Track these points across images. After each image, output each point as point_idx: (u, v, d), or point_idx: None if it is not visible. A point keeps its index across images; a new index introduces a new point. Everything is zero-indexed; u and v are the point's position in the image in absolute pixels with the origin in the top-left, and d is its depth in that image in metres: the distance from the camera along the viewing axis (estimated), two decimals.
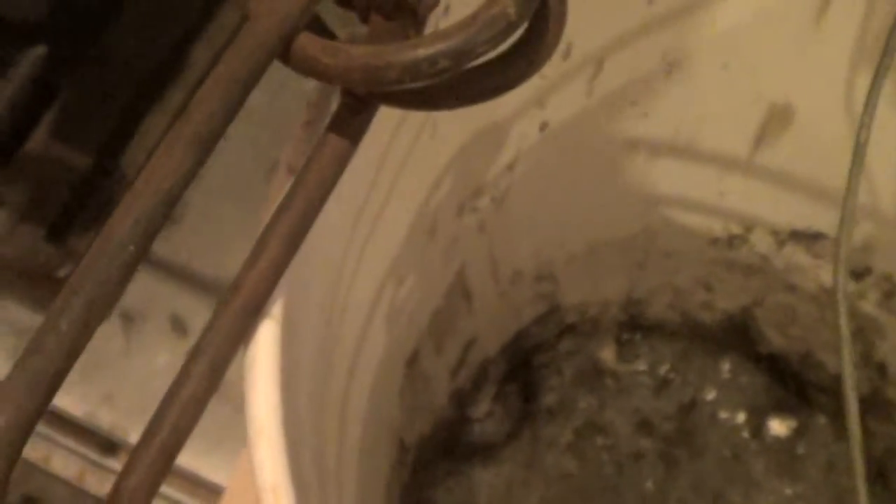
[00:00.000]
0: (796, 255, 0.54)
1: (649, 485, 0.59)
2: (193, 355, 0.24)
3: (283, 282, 0.26)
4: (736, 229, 0.53)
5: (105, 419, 0.62)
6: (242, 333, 0.25)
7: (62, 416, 0.63)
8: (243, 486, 0.54)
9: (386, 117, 0.30)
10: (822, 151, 0.47)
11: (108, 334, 0.65)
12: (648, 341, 0.62)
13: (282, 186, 0.27)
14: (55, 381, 0.21)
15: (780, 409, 0.60)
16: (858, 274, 0.52)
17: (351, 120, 0.27)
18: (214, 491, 0.59)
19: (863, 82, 0.41)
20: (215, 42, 0.67)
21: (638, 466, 0.60)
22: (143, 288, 0.66)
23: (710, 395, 0.61)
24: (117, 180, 0.65)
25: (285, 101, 0.67)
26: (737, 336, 0.60)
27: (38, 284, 0.64)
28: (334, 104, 0.28)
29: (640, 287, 0.59)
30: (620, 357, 0.62)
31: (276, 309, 0.26)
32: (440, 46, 0.25)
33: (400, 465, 0.51)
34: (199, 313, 0.65)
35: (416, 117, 0.36)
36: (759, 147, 0.48)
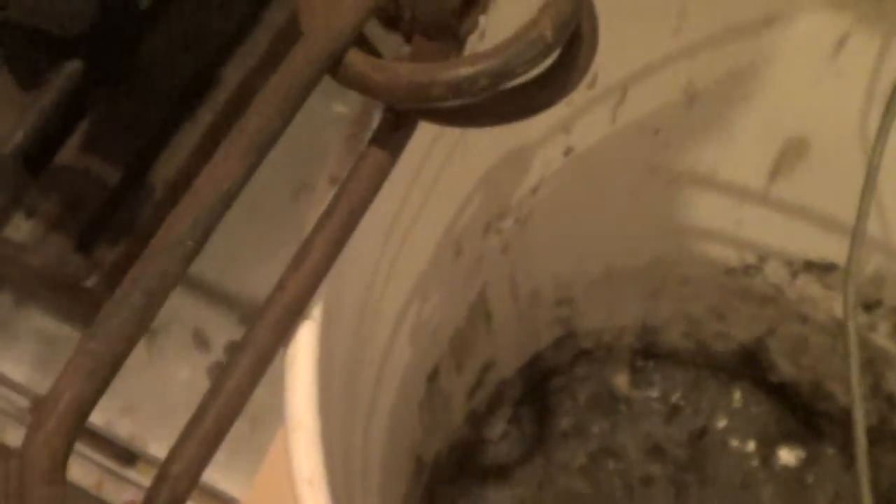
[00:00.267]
0: (809, 286, 0.55)
1: None
2: (240, 348, 0.25)
3: (323, 287, 0.27)
4: (751, 259, 0.55)
5: (125, 429, 0.64)
6: (285, 331, 0.26)
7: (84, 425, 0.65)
8: (261, 499, 0.55)
9: (419, 137, 0.31)
10: (837, 184, 0.49)
11: None
12: (662, 369, 0.63)
13: (324, 196, 0.29)
14: (114, 364, 0.22)
15: (790, 439, 0.61)
16: (869, 306, 0.53)
17: (392, 135, 0.29)
18: (229, 503, 0.60)
19: (877, 116, 0.42)
20: (246, 64, 0.69)
21: (648, 491, 0.61)
22: (167, 302, 0.67)
23: (722, 423, 0.62)
24: (146, 195, 0.66)
25: (311, 124, 0.68)
26: (749, 365, 0.61)
27: (65, 294, 0.65)
28: (376, 120, 0.30)
29: (656, 314, 0.60)
30: (634, 383, 0.63)
31: (316, 311, 0.28)
32: (482, 66, 0.26)
33: (416, 481, 0.52)
34: (221, 329, 0.67)
35: (448, 138, 0.37)
36: (775, 179, 0.50)
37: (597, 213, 0.50)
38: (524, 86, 0.29)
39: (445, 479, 0.56)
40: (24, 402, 0.67)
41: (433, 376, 0.48)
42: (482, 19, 0.30)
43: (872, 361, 0.56)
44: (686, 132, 0.47)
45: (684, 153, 0.48)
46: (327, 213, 0.28)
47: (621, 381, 0.63)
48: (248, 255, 0.67)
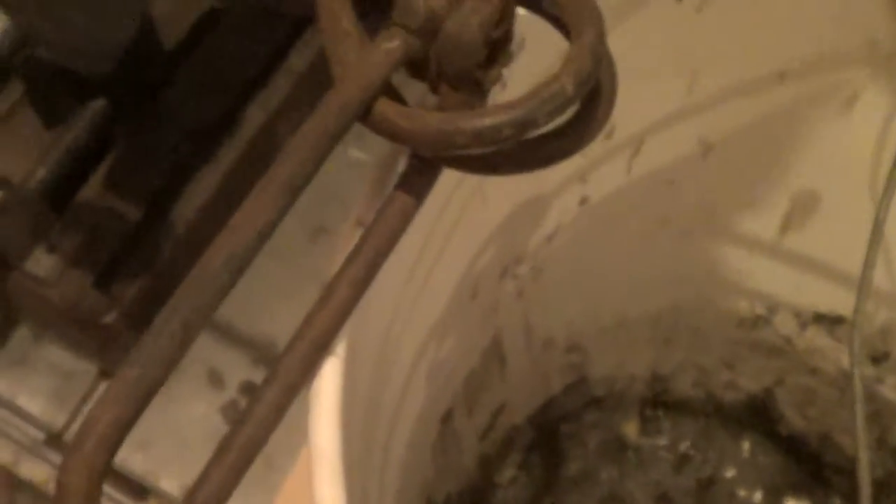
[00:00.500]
0: (818, 338, 0.56)
1: None
2: (268, 381, 0.26)
3: (347, 325, 0.28)
4: (761, 310, 0.55)
5: (138, 465, 0.64)
6: (311, 366, 0.27)
7: None
8: None
9: (441, 183, 0.32)
10: (846, 237, 0.50)
11: None
12: (671, 417, 0.64)
13: (350, 237, 0.30)
14: (150, 391, 0.23)
15: (797, 490, 0.62)
16: (877, 358, 0.54)
17: (417, 180, 0.30)
18: None
19: (886, 171, 0.44)
20: (267, 106, 0.70)
21: None
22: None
23: (730, 472, 0.63)
24: (166, 233, 0.67)
25: (329, 169, 0.70)
26: (757, 416, 0.62)
27: (82, 329, 0.66)
28: (402, 165, 0.31)
29: (666, 363, 0.61)
30: (643, 431, 0.64)
31: (341, 348, 0.29)
32: (505, 117, 0.27)
33: None
34: (235, 368, 0.67)
35: (468, 186, 0.38)
36: (786, 231, 0.51)
37: (610, 262, 0.51)
38: (544, 136, 0.30)
39: None
40: (39, 435, 0.68)
41: (447, 418, 0.48)
42: (505, 72, 0.31)
43: (879, 414, 0.56)
44: (700, 184, 0.48)
45: (697, 204, 0.49)
46: (354, 254, 0.29)
47: (631, 428, 0.64)
48: (264, 297, 0.68)
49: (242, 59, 0.70)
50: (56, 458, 0.66)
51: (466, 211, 0.39)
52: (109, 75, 0.65)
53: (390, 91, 0.29)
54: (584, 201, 0.46)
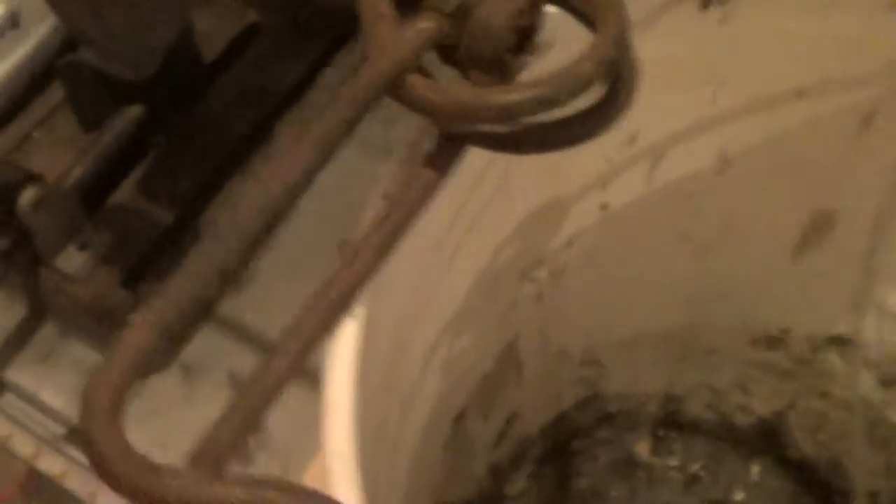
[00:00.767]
0: (829, 360, 0.56)
1: None
2: (288, 331, 0.27)
3: (367, 295, 0.30)
4: (774, 331, 0.56)
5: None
6: (330, 323, 0.28)
7: None
8: None
9: (466, 175, 0.34)
10: (861, 260, 0.51)
11: (167, 383, 0.68)
12: (683, 438, 0.64)
13: (376, 208, 0.31)
14: (179, 323, 0.24)
15: None
16: (888, 382, 0.55)
17: (442, 157, 0.31)
18: None
19: None
20: (300, 121, 0.72)
21: None
22: (206, 342, 0.69)
23: (739, 496, 0.63)
24: (194, 238, 0.69)
25: (355, 184, 0.71)
26: (768, 440, 0.62)
27: (108, 326, 0.67)
28: (428, 146, 0.32)
29: (680, 383, 0.62)
30: (654, 451, 0.64)
31: (360, 311, 0.30)
32: (529, 93, 0.29)
33: None
34: None
35: (491, 181, 0.39)
36: (802, 251, 0.51)
37: (628, 275, 0.52)
38: (567, 119, 0.31)
39: None
40: (59, 430, 0.69)
41: (460, 418, 0.49)
42: (531, 60, 0.33)
43: (888, 440, 0.57)
44: (718, 199, 0.49)
45: (716, 220, 0.50)
46: (379, 222, 0.30)
47: (642, 447, 0.64)
48: (287, 304, 0.69)
49: (278, 74, 0.72)
50: (74, 453, 0.68)
51: (490, 206, 0.40)
52: (148, 82, 0.67)
53: (422, 70, 0.31)
54: (604, 207, 0.47)
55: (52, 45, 0.67)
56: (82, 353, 0.70)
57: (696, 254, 0.52)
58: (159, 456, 0.71)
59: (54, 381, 0.70)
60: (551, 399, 0.59)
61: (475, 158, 0.37)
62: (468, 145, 0.32)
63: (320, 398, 0.29)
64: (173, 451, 0.70)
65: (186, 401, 0.67)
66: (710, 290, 0.54)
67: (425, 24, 0.30)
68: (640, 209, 0.48)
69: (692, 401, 0.62)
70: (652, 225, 0.50)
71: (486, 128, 0.31)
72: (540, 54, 0.33)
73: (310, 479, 0.59)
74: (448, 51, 0.32)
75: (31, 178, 0.62)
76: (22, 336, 0.70)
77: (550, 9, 0.33)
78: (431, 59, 0.32)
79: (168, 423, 0.66)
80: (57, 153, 0.67)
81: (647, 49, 0.39)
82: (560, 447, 0.62)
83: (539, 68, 0.34)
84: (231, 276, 0.26)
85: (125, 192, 0.69)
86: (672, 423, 0.64)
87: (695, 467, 0.64)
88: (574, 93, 0.29)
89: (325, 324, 0.28)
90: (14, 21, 0.64)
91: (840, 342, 0.55)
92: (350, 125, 0.28)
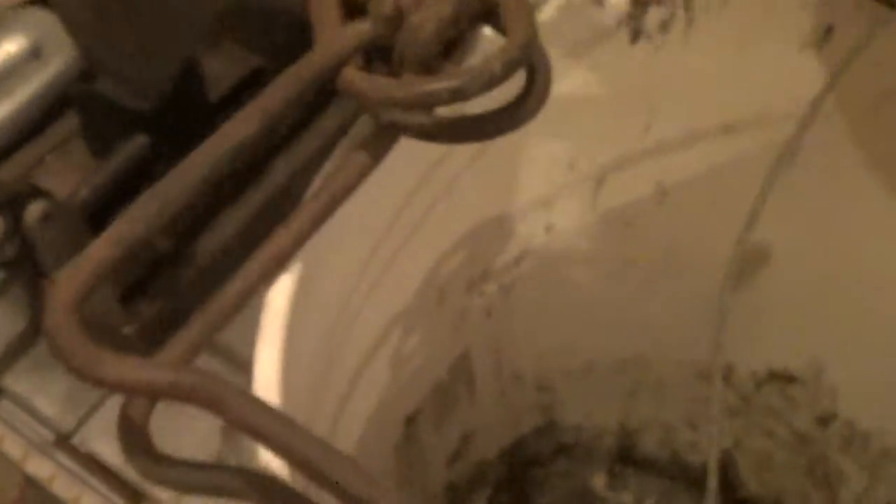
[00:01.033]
0: (772, 397, 0.59)
1: None
2: (230, 282, 0.32)
3: (302, 255, 0.34)
4: (720, 366, 0.59)
5: (133, 472, 0.69)
6: (271, 274, 0.33)
7: (99, 461, 0.70)
8: None
9: (410, 172, 0.38)
10: (796, 294, 0.54)
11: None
12: (638, 475, 0.67)
13: (314, 187, 0.36)
14: (132, 244, 0.29)
15: None
16: (824, 419, 0.58)
17: (375, 143, 0.36)
18: None
19: (840, 221, 0.48)
20: (295, 162, 0.77)
21: None
22: (202, 367, 0.73)
23: None
24: (188, 263, 0.73)
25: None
26: (718, 480, 0.65)
27: (102, 338, 0.71)
28: (365, 134, 0.37)
29: (633, 418, 0.65)
30: (610, 486, 0.67)
31: (296, 267, 0.34)
32: (442, 85, 0.33)
33: None
34: None
35: (436, 185, 0.44)
36: (740, 284, 0.55)
37: (576, 299, 0.56)
38: (489, 113, 0.36)
39: None
40: (49, 435, 0.73)
41: (412, 420, 0.53)
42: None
43: (828, 478, 0.59)
44: (658, 228, 0.53)
45: (655, 249, 0.54)
46: (314, 196, 0.34)
47: (599, 481, 0.67)
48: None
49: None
50: (62, 458, 0.71)
51: (433, 211, 0.44)
52: (155, 115, 0.73)
53: (362, 66, 0.35)
54: (549, 229, 0.51)
55: (69, 76, 0.72)
56: None
57: (641, 283, 0.56)
58: None
59: (47, 389, 0.74)
60: (508, 423, 0.62)
61: (418, 163, 0.42)
62: (401, 134, 0.36)
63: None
64: None
65: (171, 415, 0.71)
66: (656, 321, 0.58)
67: (362, 27, 0.35)
68: (585, 234, 0.52)
69: (646, 436, 0.65)
70: (597, 251, 0.53)
71: (417, 118, 0.36)
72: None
73: None
74: (384, 52, 0.36)
75: (39, 193, 0.67)
76: (22, 345, 0.74)
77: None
78: None
79: (153, 433, 0.70)
80: (67, 175, 0.72)
81: (581, 78, 0.44)
82: (518, 474, 0.65)
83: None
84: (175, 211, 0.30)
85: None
86: (628, 459, 0.67)
87: (649, 503, 0.67)
88: (483, 88, 0.33)
89: (264, 277, 0.32)
90: (36, 52, 0.70)
91: (782, 378, 0.58)
92: (288, 104, 0.33)
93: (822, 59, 0.45)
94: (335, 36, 0.35)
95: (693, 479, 0.66)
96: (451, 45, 0.36)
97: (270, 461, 0.30)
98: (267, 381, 0.33)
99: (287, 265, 0.34)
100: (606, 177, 0.50)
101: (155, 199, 0.30)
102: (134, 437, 0.30)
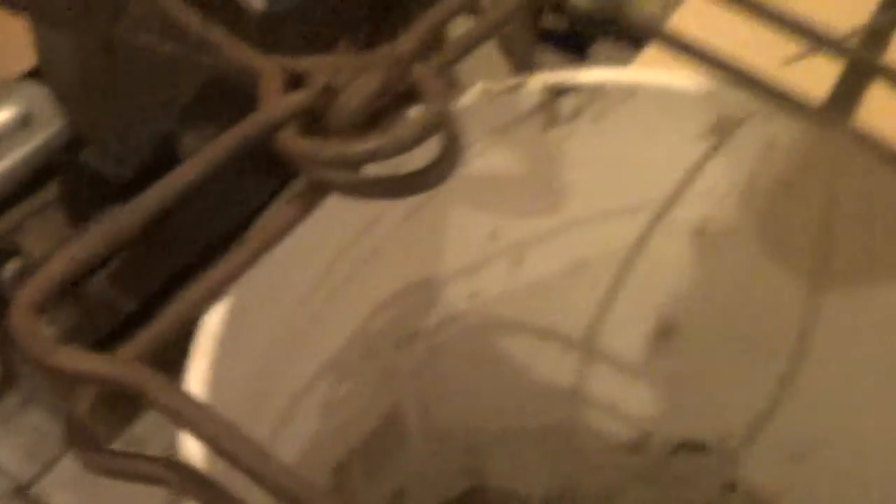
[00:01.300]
0: (685, 466, 0.64)
1: None
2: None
3: (234, 292, 0.39)
4: (634, 435, 0.64)
5: None
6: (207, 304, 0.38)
7: None
8: None
9: (339, 235, 0.44)
10: (705, 364, 0.59)
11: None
12: None
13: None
14: (87, 260, 0.34)
15: None
16: (730, 487, 0.62)
17: (303, 199, 0.41)
18: None
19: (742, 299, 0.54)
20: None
21: None
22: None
23: None
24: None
25: None
26: None
27: (66, 394, 0.76)
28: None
29: (557, 487, 0.69)
30: None
31: (223, 305, 0.39)
32: (358, 149, 0.39)
33: None
34: None
35: (364, 245, 0.49)
36: (653, 355, 0.60)
37: (500, 367, 0.61)
38: (404, 176, 0.41)
39: None
40: (9, 486, 0.77)
41: (340, 470, 0.57)
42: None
43: None
44: (574, 301, 0.58)
45: (573, 321, 0.59)
46: (244, 242, 0.40)
47: None
48: None
49: (251, 192, 0.84)
50: None
51: (366, 267, 0.50)
52: (133, 186, 0.79)
53: (300, 132, 0.41)
54: (473, 296, 0.56)
55: (56, 145, 0.78)
56: (38, 420, 0.79)
57: (560, 353, 0.61)
58: None
59: (11, 442, 0.78)
60: (438, 483, 0.66)
61: (353, 222, 0.47)
62: (328, 190, 0.42)
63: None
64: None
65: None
66: (575, 390, 0.62)
67: (298, 97, 0.41)
68: (507, 303, 0.57)
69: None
70: (518, 320, 0.58)
71: (342, 177, 0.41)
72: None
73: None
74: (318, 118, 0.42)
75: (17, 253, 0.73)
76: None
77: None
78: None
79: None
80: (45, 239, 0.78)
81: (501, 156, 0.50)
82: None
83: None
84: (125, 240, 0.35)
85: (98, 279, 0.79)
86: None
87: None
88: (399, 150, 0.39)
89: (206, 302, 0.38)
90: (26, 121, 0.76)
91: (692, 447, 0.63)
92: (229, 155, 0.38)
93: (721, 149, 0.51)
94: (275, 103, 0.40)
95: None
96: (378, 114, 0.42)
97: (193, 452, 0.35)
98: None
99: (213, 303, 0.39)
100: (526, 249, 0.55)
101: (108, 228, 0.35)
102: (78, 428, 0.34)
